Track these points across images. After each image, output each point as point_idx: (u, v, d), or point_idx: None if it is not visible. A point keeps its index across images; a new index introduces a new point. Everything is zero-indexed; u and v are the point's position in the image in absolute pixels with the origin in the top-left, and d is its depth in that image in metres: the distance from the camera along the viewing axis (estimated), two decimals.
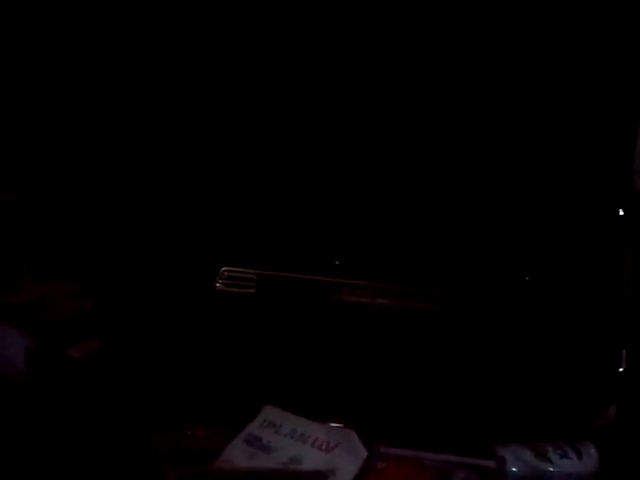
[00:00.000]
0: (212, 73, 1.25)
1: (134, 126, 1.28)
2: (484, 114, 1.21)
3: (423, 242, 1.24)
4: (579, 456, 1.11)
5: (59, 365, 1.22)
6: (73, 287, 1.31)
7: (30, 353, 1.20)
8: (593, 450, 1.12)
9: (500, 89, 1.20)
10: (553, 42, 1.17)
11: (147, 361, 1.24)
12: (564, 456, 1.10)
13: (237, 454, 1.10)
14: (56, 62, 1.27)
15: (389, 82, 1.22)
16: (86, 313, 1.30)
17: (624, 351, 1.18)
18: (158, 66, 1.25)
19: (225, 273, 1.24)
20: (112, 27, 1.25)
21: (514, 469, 1.09)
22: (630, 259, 1.21)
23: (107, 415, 1.14)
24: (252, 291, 1.23)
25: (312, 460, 1.09)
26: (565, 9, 1.16)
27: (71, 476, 1.04)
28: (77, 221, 1.32)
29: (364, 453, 1.10)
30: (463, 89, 1.21)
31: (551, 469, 1.09)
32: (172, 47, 1.24)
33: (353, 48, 1.21)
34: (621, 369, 1.17)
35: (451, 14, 1.19)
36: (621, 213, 1.20)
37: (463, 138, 1.22)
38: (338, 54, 1.22)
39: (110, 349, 1.26)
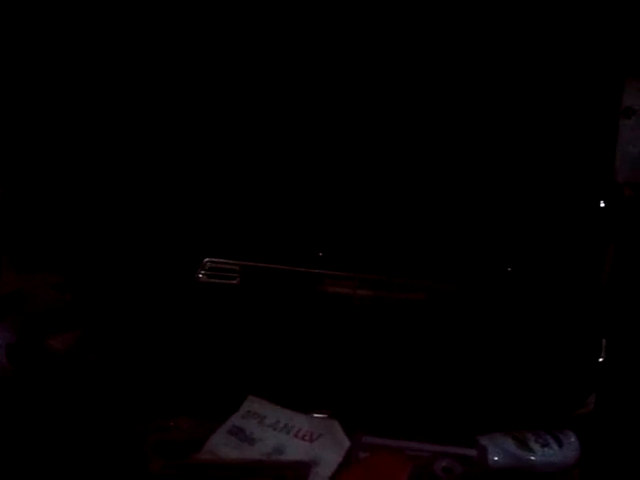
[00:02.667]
0: (197, 68, 1.25)
1: (116, 119, 1.27)
2: (466, 109, 1.21)
3: (406, 233, 1.24)
4: (560, 445, 1.12)
5: (41, 357, 1.21)
6: (54, 278, 1.30)
7: (11, 345, 1.20)
8: (574, 439, 1.13)
9: (482, 83, 1.20)
10: (534, 40, 1.17)
11: (130, 352, 1.24)
12: (545, 445, 1.11)
13: (220, 445, 1.11)
14: (42, 55, 1.26)
15: (370, 75, 1.22)
16: (67, 304, 1.29)
17: (604, 340, 1.19)
18: (141, 56, 1.25)
19: (208, 264, 1.24)
20: (111, 24, 1.24)
21: (495, 458, 1.10)
22: (611, 250, 1.22)
23: (90, 406, 1.14)
24: (235, 282, 1.23)
25: (295, 451, 1.10)
26: (545, 8, 1.17)
27: (55, 467, 1.04)
28: (58, 212, 1.31)
29: (347, 443, 1.11)
30: (444, 80, 1.21)
31: (532, 458, 1.10)
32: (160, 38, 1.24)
33: (349, 46, 1.21)
34: (601, 358, 1.18)
35: (436, 19, 1.19)
36: (602, 205, 1.21)
37: (445, 130, 1.22)
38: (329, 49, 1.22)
39: (92, 340, 1.26)
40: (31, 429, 1.10)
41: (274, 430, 1.13)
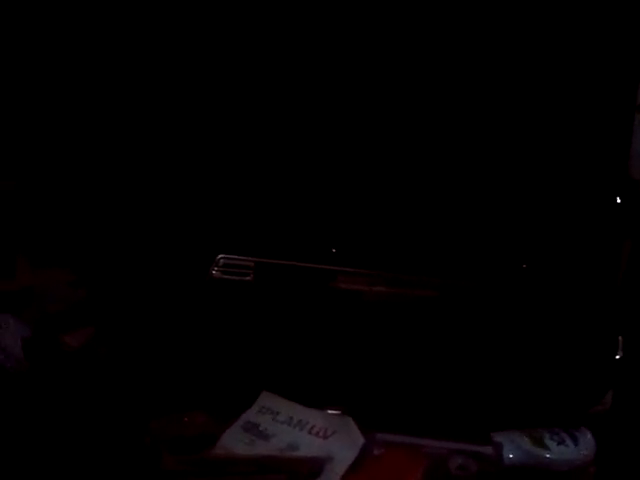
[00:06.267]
0: (206, 64, 1.25)
1: (129, 116, 1.27)
2: (479, 104, 1.20)
3: (420, 229, 1.24)
4: (575, 442, 1.11)
5: (55, 353, 1.22)
6: (68, 274, 1.31)
7: (26, 341, 1.20)
8: (590, 437, 1.12)
9: (494, 78, 1.20)
10: (548, 34, 1.17)
11: (144, 348, 1.24)
12: (561, 442, 1.11)
13: (234, 441, 1.11)
14: (55, 53, 1.27)
15: (377, 74, 1.22)
16: (82, 301, 1.30)
17: (621, 338, 1.18)
18: (151, 54, 1.25)
19: (221, 260, 1.23)
20: (113, 23, 1.24)
21: (510, 455, 1.10)
22: (627, 247, 1.21)
23: (104, 402, 1.14)
24: (249, 279, 1.23)
25: (309, 447, 1.09)
26: (562, 5, 1.16)
27: (69, 463, 1.04)
28: (73, 209, 1.31)
29: (361, 440, 1.10)
30: (453, 75, 1.20)
31: (547, 455, 1.10)
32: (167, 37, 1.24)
33: (352, 46, 1.21)
34: (618, 356, 1.17)
35: (448, 14, 1.19)
36: (618, 201, 1.20)
37: (457, 126, 1.21)
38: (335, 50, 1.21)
39: (106, 337, 1.26)
40: (45, 424, 1.10)
41: (288, 426, 1.13)
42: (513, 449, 1.10)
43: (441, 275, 1.22)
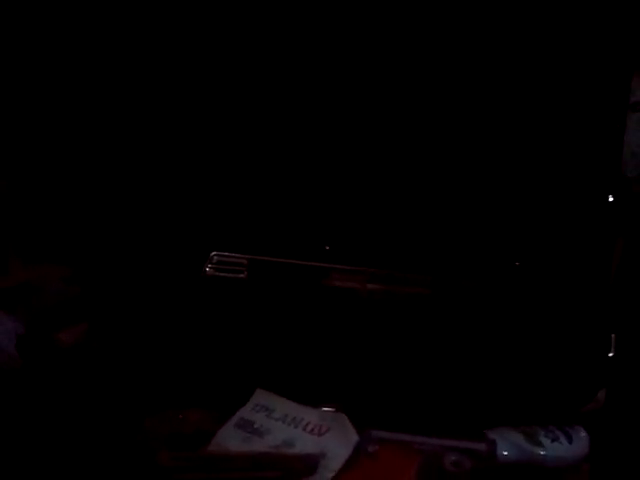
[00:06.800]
0: (200, 61, 1.24)
1: (122, 113, 1.26)
2: (473, 103, 1.21)
3: (413, 227, 1.24)
4: (569, 440, 1.12)
5: (49, 349, 1.21)
6: (62, 271, 1.30)
7: (20, 338, 1.20)
8: (583, 434, 1.13)
9: (486, 77, 1.20)
10: (541, 34, 1.17)
11: (138, 345, 1.24)
12: (555, 440, 1.11)
13: (229, 438, 1.11)
14: (50, 52, 1.26)
15: (369, 70, 1.22)
16: (75, 297, 1.29)
17: (613, 336, 1.18)
18: (145, 51, 1.24)
19: (215, 258, 1.23)
20: (111, 21, 1.24)
21: (505, 452, 1.10)
22: (619, 245, 1.22)
23: (98, 399, 1.14)
24: (242, 276, 1.23)
25: (304, 444, 1.10)
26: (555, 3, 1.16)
27: (63, 460, 1.04)
28: (66, 205, 1.31)
29: (356, 437, 1.10)
30: (445, 71, 1.20)
31: (542, 453, 1.10)
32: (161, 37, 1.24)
33: (348, 43, 1.21)
34: (610, 354, 1.18)
35: (443, 16, 1.19)
36: (611, 200, 1.21)
37: (451, 124, 1.22)
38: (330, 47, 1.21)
39: (100, 333, 1.25)
40: (38, 421, 1.10)
41: (283, 423, 1.13)
42: (507, 446, 1.10)
43: (434, 272, 1.22)
